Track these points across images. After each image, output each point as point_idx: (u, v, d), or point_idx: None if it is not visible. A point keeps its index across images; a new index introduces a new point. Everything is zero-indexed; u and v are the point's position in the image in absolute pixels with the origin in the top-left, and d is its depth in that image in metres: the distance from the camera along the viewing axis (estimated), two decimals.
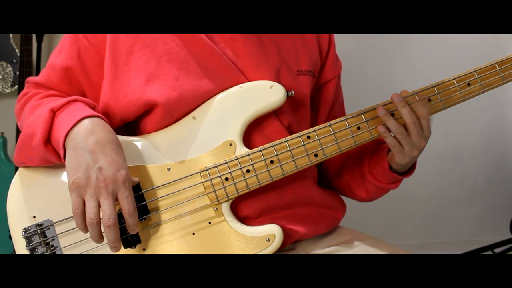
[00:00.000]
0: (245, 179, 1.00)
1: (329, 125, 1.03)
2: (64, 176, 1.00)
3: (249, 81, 1.03)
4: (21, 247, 0.99)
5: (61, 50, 1.06)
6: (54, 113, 0.96)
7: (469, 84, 1.05)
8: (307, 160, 1.02)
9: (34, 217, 0.99)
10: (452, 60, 2.39)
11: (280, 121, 1.06)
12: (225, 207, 1.00)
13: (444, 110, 1.05)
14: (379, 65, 2.46)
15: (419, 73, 2.36)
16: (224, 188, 1.00)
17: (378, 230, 1.74)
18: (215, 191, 1.00)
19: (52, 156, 0.96)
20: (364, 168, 1.14)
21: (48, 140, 0.95)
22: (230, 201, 1.01)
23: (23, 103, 1.06)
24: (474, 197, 2.64)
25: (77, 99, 0.99)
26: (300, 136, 1.02)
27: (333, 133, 1.03)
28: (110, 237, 0.90)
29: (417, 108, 1.02)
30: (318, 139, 1.02)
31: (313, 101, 1.15)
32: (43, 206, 0.99)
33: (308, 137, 1.02)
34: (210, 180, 1.00)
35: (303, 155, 1.02)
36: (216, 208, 1.00)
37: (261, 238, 0.99)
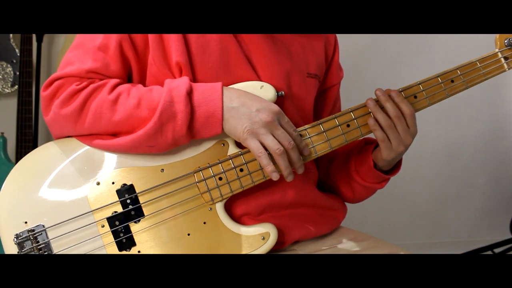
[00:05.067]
0: (238, 178, 1.00)
1: (319, 124, 1.04)
2: (55, 181, 0.98)
3: (259, 77, 1.04)
4: (13, 253, 0.96)
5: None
6: (189, 96, 0.95)
7: (452, 81, 1.09)
8: (302, 162, 1.01)
9: (26, 222, 0.97)
10: (455, 62, 2.39)
11: None
12: (219, 207, 1.00)
13: (430, 106, 1.08)
14: (381, 67, 2.46)
15: (422, 75, 2.36)
16: (218, 188, 1.00)
17: (378, 230, 1.74)
18: (209, 191, 0.99)
19: (185, 140, 0.97)
20: (351, 167, 1.15)
21: (189, 125, 0.95)
22: (225, 200, 1.01)
23: (84, 101, 0.96)
24: (474, 197, 2.64)
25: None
26: None
27: (323, 131, 1.03)
28: (296, 158, 0.97)
29: (401, 106, 1.03)
30: (309, 137, 1.03)
31: (315, 105, 1.16)
32: (34, 211, 0.97)
33: (300, 135, 1.02)
34: (204, 180, 1.00)
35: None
36: (211, 208, 1.00)
37: (256, 236, 1.00)
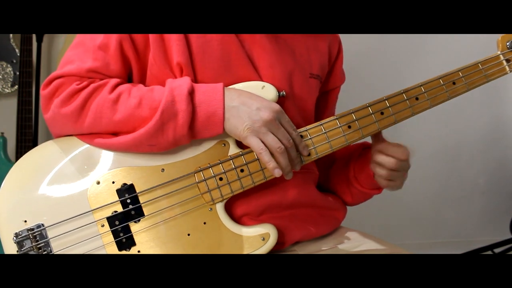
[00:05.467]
0: (239, 179, 1.00)
1: (321, 124, 1.03)
2: (54, 180, 0.98)
3: (261, 77, 1.04)
4: (12, 252, 0.96)
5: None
6: (190, 95, 0.95)
7: (454, 83, 1.08)
8: (300, 159, 1.02)
9: (25, 221, 0.96)
10: (456, 63, 2.38)
11: None
12: (219, 207, 1.00)
13: (430, 108, 1.08)
14: (382, 68, 2.46)
15: (422, 76, 2.36)
16: (218, 188, 0.99)
17: (378, 230, 1.74)
18: (209, 191, 0.99)
19: (187, 140, 0.97)
20: (350, 172, 1.16)
21: (190, 125, 0.95)
22: (225, 201, 1.00)
23: (85, 101, 0.97)
24: (474, 197, 2.64)
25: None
26: None
27: (324, 132, 1.03)
28: (294, 156, 0.98)
29: (396, 154, 1.06)
30: (310, 138, 1.02)
31: (316, 106, 1.16)
32: (34, 210, 0.97)
33: (301, 136, 1.02)
34: (205, 180, 0.99)
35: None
36: (211, 209, 1.00)
37: (256, 237, 0.99)
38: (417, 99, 1.06)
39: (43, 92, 1.00)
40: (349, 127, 1.04)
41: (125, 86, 0.98)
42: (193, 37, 1.01)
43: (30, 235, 0.96)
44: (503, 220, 2.45)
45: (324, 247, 1.10)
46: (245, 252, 0.99)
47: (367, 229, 1.20)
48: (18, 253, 0.96)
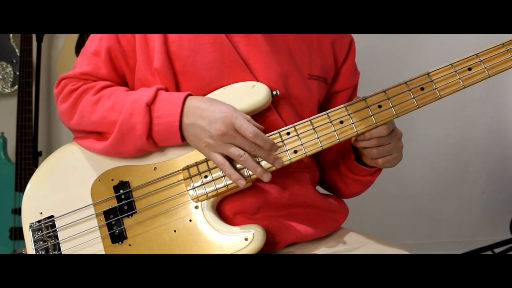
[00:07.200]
0: (223, 177, 0.99)
1: (310, 120, 0.99)
2: (66, 177, 1.09)
3: (256, 78, 1.03)
4: (29, 240, 1.07)
5: (100, 37, 1.09)
6: (149, 107, 0.99)
7: (469, 69, 0.96)
8: (286, 157, 0.99)
9: (41, 213, 1.07)
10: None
11: (285, 123, 1.05)
12: (206, 205, 1.00)
13: (441, 99, 0.97)
14: (383, 66, 2.46)
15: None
16: (203, 185, 1.00)
17: (378, 230, 1.74)
18: (195, 188, 1.00)
19: (151, 147, 1.02)
20: (339, 160, 1.15)
21: (149, 134, 0.99)
22: (211, 199, 1.00)
23: (76, 100, 1.08)
24: (474, 197, 2.64)
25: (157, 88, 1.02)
26: (279, 132, 1.00)
27: (313, 128, 0.99)
28: (264, 153, 0.96)
29: (375, 135, 1.00)
30: (297, 135, 0.99)
31: (324, 108, 1.15)
32: (48, 203, 1.07)
33: (288, 133, 0.99)
34: (190, 177, 1.00)
35: (281, 152, 0.98)
36: (197, 206, 1.00)
37: (239, 237, 0.98)
38: (422, 89, 0.96)
39: (54, 91, 1.13)
40: (341, 122, 0.98)
41: (109, 89, 1.06)
42: (174, 42, 1.03)
43: (43, 225, 1.06)
44: (503, 220, 2.45)
45: (324, 247, 1.10)
46: (225, 252, 0.97)
47: (367, 229, 1.20)
48: (31, 240, 1.06)
